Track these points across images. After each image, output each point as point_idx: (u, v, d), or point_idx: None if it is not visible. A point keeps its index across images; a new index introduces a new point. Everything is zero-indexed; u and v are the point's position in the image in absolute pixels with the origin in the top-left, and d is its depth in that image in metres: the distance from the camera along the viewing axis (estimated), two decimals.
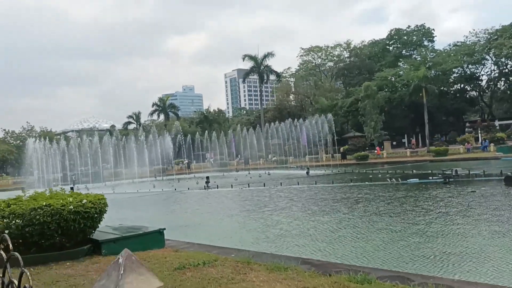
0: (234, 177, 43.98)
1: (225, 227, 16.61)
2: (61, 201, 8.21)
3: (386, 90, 79.08)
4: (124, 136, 55.29)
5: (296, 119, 62.67)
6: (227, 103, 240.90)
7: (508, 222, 13.64)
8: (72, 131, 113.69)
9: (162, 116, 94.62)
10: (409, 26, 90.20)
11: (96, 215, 8.65)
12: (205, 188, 33.23)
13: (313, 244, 12.65)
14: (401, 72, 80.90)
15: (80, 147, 54.61)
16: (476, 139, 62.46)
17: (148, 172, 53.94)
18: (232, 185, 33.37)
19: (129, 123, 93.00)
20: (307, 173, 41.78)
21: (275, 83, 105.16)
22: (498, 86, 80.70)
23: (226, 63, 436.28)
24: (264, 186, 31.52)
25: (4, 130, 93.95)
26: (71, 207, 8.13)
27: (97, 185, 46.11)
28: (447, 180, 24.05)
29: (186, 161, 69.70)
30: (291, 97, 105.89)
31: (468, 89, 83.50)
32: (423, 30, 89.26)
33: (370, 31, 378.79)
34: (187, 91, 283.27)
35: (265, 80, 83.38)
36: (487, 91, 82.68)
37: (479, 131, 65.41)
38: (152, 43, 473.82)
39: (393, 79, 79.59)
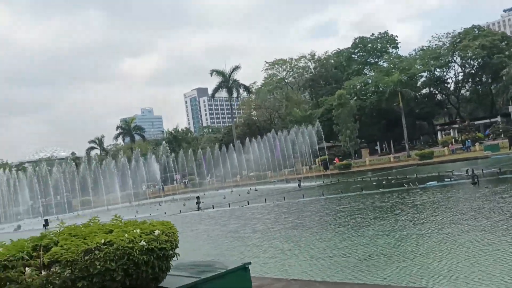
0: (222, 195, 41.04)
1: (276, 250, 13.57)
2: (126, 235, 5.33)
3: (356, 98, 78.39)
4: (96, 162, 50.96)
5: (265, 133, 60.68)
6: (188, 123, 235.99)
7: None
8: (29, 162, 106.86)
9: (127, 139, 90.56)
10: (372, 34, 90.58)
11: (171, 253, 5.79)
12: (198, 209, 30.18)
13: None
14: (369, 80, 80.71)
15: (48, 177, 49.88)
16: (455, 140, 62.19)
17: (122, 197, 49.76)
18: (229, 204, 30.43)
19: (92, 148, 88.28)
20: (299, 185, 39.38)
21: (240, 99, 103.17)
22: (466, 87, 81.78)
23: (182, 82, 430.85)
24: (266, 202, 28.81)
25: None
26: (143, 243, 5.24)
27: (69, 216, 42.02)
28: (475, 180, 22.19)
29: (150, 185, 66.61)
30: (256, 111, 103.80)
31: (436, 92, 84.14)
32: (387, 37, 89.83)
33: (323, 44, 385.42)
34: (146, 113, 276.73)
35: (234, 95, 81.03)
36: (454, 93, 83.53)
37: (458, 133, 65.25)
38: (104, 67, 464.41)
39: (361, 86, 79.17)
